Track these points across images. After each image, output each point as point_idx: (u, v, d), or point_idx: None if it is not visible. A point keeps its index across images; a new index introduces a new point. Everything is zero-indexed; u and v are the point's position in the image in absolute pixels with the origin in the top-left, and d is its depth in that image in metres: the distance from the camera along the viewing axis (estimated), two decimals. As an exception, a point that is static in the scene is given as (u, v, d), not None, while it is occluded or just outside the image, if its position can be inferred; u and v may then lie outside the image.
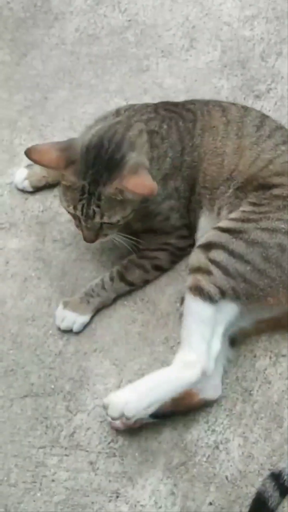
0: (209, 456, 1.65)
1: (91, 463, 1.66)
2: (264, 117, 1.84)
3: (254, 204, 1.69)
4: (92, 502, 1.62)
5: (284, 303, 1.66)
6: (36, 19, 2.28)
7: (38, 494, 1.63)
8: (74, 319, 1.78)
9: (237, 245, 1.63)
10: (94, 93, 2.14)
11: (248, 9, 2.28)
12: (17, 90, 2.16)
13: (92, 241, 1.71)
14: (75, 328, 1.79)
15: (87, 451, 1.67)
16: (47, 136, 2.06)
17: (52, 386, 1.74)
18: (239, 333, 1.71)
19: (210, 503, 1.61)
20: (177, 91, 2.12)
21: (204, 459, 1.65)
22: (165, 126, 1.78)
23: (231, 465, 1.64)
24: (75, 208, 1.66)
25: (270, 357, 1.75)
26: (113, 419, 1.60)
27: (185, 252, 1.83)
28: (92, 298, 1.79)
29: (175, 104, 1.88)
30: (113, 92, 2.14)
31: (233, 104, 1.89)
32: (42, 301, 1.84)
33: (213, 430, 1.68)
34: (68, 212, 1.71)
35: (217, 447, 1.66)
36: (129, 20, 2.27)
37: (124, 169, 1.62)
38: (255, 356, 1.75)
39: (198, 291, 1.61)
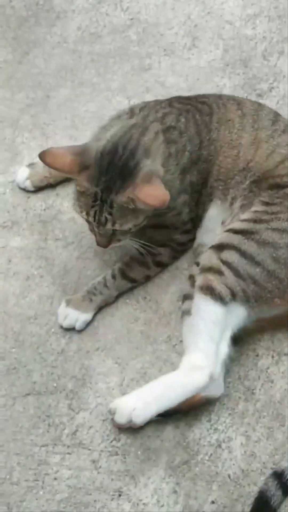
0: (211, 454, 1.65)
1: (93, 461, 1.66)
2: (276, 113, 1.85)
3: (266, 203, 1.69)
4: (95, 500, 1.62)
5: None
6: (38, 17, 2.28)
7: (41, 492, 1.63)
8: (77, 317, 1.78)
9: (249, 246, 1.63)
10: (96, 92, 2.14)
11: (250, 7, 2.28)
12: (19, 88, 2.15)
13: (105, 246, 1.70)
14: (78, 326, 1.79)
15: (89, 449, 1.67)
16: (49, 134, 2.06)
17: (55, 385, 1.74)
18: (241, 331, 1.71)
19: (213, 502, 1.61)
20: (179, 90, 2.12)
21: (207, 457, 1.65)
22: (182, 120, 1.76)
23: (233, 464, 1.64)
24: (87, 214, 1.65)
25: (273, 356, 1.75)
26: (120, 425, 1.60)
27: (185, 247, 1.84)
28: (94, 296, 1.79)
29: (188, 98, 1.87)
30: (115, 90, 2.14)
31: (246, 98, 1.90)
32: (45, 299, 1.84)
33: (216, 429, 1.68)
34: (81, 217, 1.70)
35: (219, 446, 1.66)
36: (131, 19, 2.27)
37: (137, 178, 1.60)
38: (257, 355, 1.75)
39: (210, 290, 1.61)
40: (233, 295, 1.61)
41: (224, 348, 1.64)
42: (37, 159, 1.99)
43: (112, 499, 1.62)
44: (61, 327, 1.79)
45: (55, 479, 1.64)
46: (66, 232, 1.93)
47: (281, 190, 1.70)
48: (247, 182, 1.73)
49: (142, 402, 1.58)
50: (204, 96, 1.88)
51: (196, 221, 1.81)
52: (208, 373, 1.60)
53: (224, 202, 1.76)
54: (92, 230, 1.70)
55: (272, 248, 1.64)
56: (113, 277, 1.81)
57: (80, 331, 1.79)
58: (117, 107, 2.09)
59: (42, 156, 1.64)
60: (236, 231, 1.66)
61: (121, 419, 1.58)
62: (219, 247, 1.65)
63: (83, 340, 1.79)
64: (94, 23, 2.27)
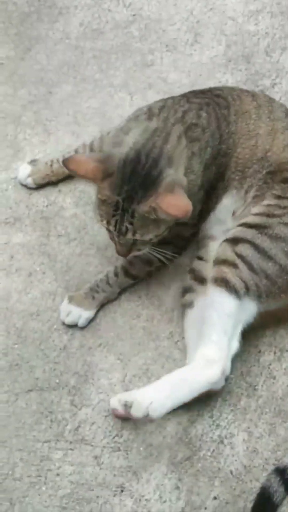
0: (213, 450, 1.66)
1: (95, 457, 1.66)
2: (285, 107, 1.84)
3: (278, 197, 1.69)
4: (97, 496, 1.62)
5: None
6: (41, 13, 2.28)
7: (43, 488, 1.63)
8: (79, 314, 1.78)
9: (262, 241, 1.64)
10: (98, 88, 2.14)
11: (253, 3, 2.27)
12: (22, 84, 2.15)
13: (125, 255, 1.69)
14: (80, 323, 1.79)
15: (92, 445, 1.67)
16: (51, 130, 2.06)
17: (57, 381, 1.74)
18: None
19: (215, 498, 1.61)
20: (181, 86, 2.12)
21: (209, 453, 1.65)
22: (204, 114, 1.73)
23: (235, 460, 1.65)
24: (108, 223, 1.62)
25: (275, 352, 1.75)
26: (136, 418, 1.57)
27: (187, 241, 1.82)
28: (97, 293, 1.79)
29: (203, 92, 1.84)
30: (117, 86, 2.14)
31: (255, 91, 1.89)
32: (47, 295, 1.84)
33: (218, 425, 1.68)
34: (102, 225, 1.67)
35: (221, 442, 1.66)
36: (134, 15, 2.27)
37: (160, 187, 1.58)
38: (259, 351, 1.75)
39: (224, 283, 1.61)
40: (247, 289, 1.61)
41: (235, 343, 1.63)
42: (39, 156, 2.01)
43: (114, 495, 1.62)
44: (63, 323, 1.79)
45: (58, 475, 1.65)
46: (69, 228, 1.93)
47: None
48: (264, 172, 1.72)
49: (159, 396, 1.56)
50: (217, 88, 1.86)
51: (204, 214, 1.78)
52: (221, 368, 1.59)
53: (240, 191, 1.74)
54: (112, 239, 1.68)
55: (284, 242, 1.64)
56: (116, 274, 1.80)
57: (82, 327, 1.79)
58: (119, 103, 2.10)
59: (65, 163, 1.61)
60: (250, 225, 1.66)
61: (138, 412, 1.55)
62: (234, 241, 1.65)
63: (85, 336, 1.79)
64: (96, 19, 2.26)
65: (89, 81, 2.16)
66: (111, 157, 1.61)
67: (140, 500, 1.62)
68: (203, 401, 1.67)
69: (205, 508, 1.61)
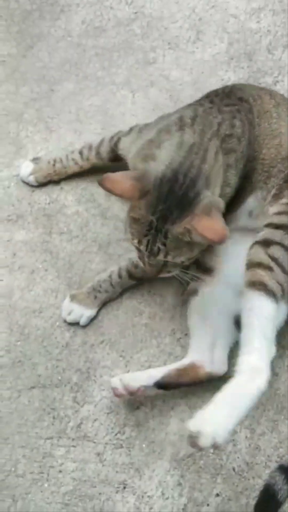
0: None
1: (98, 454, 1.66)
2: None
3: None
4: (100, 493, 1.62)
5: None
6: (43, 11, 2.28)
7: (46, 485, 1.64)
8: (81, 312, 1.78)
9: None
10: (100, 85, 2.14)
11: (255, 1, 2.27)
12: (24, 82, 2.15)
13: (153, 276, 1.62)
14: (82, 322, 1.79)
15: (94, 442, 1.67)
16: (53, 128, 2.06)
17: (59, 378, 1.74)
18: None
19: (217, 495, 1.62)
20: (183, 83, 2.12)
21: (211, 450, 1.65)
22: (237, 123, 1.67)
23: (238, 457, 1.65)
24: (139, 242, 1.56)
25: (277, 349, 1.74)
26: (204, 448, 1.46)
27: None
28: (99, 293, 1.79)
29: (227, 94, 1.76)
30: (119, 84, 2.14)
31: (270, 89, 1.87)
32: (49, 292, 1.84)
33: (220, 422, 1.68)
34: (132, 244, 1.61)
35: (224, 439, 1.66)
36: (136, 12, 2.27)
37: (197, 208, 1.51)
38: (262, 348, 1.75)
39: (263, 286, 1.55)
40: (283, 291, 1.57)
41: (273, 348, 1.56)
42: (41, 153, 2.01)
43: (116, 492, 1.62)
44: (65, 321, 1.80)
45: (60, 471, 1.65)
46: (71, 225, 1.93)
47: None
48: (286, 171, 1.68)
49: (221, 419, 1.46)
50: (238, 88, 1.80)
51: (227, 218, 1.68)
52: (267, 376, 1.52)
53: (264, 191, 1.70)
54: (141, 258, 1.61)
55: None
56: (119, 276, 1.80)
57: (84, 326, 1.79)
58: (122, 100, 2.10)
59: (102, 183, 1.53)
60: (277, 226, 1.61)
61: (206, 442, 1.43)
62: (265, 243, 1.60)
63: (87, 333, 1.79)
64: (98, 17, 2.26)
65: (91, 78, 2.16)
66: (147, 175, 1.55)
67: (142, 496, 1.62)
68: (206, 397, 1.66)
69: (208, 505, 1.61)
